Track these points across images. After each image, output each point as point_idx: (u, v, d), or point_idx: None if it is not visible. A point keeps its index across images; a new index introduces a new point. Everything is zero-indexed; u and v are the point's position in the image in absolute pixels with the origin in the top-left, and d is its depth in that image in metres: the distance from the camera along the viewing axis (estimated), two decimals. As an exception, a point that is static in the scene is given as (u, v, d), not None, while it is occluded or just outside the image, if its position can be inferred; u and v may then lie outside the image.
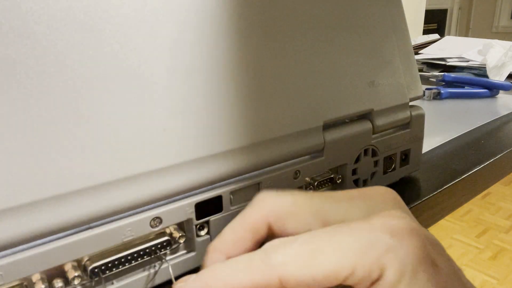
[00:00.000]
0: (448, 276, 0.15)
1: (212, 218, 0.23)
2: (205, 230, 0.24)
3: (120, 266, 0.21)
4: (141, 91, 0.20)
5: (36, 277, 0.18)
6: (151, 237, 0.22)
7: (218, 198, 0.23)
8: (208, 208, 0.23)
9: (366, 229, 0.16)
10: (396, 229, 0.15)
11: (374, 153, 0.31)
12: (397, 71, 0.32)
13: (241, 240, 0.18)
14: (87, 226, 0.20)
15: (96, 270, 0.20)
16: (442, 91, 0.67)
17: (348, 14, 0.29)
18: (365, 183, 0.31)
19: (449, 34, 3.41)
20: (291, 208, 0.18)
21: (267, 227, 0.18)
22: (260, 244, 0.18)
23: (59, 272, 0.19)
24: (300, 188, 0.27)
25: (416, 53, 0.95)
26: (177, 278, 0.23)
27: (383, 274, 0.15)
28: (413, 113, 0.33)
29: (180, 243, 0.23)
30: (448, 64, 0.87)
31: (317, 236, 0.16)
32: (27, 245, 0.18)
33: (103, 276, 0.20)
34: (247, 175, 0.25)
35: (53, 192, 0.18)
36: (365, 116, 0.30)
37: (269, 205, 0.18)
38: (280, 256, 0.16)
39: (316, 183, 0.28)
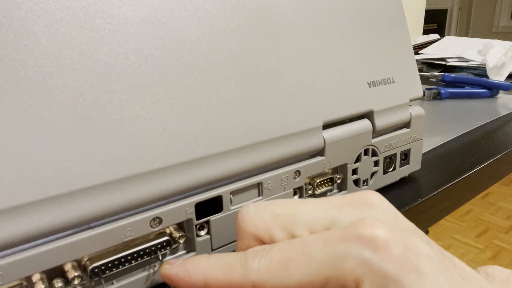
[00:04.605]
0: (435, 280, 0.15)
1: (212, 218, 0.23)
2: (205, 230, 0.24)
3: (120, 266, 0.21)
4: (141, 91, 0.20)
5: (36, 277, 0.18)
6: (151, 237, 0.22)
7: (218, 198, 0.23)
8: (208, 208, 0.23)
9: (339, 240, 0.15)
10: (371, 239, 0.15)
11: (374, 153, 0.31)
12: (397, 71, 0.32)
13: None
14: (87, 226, 0.20)
15: (96, 270, 0.20)
16: (442, 91, 0.67)
17: (348, 14, 0.29)
18: (365, 183, 0.31)
19: (449, 34, 3.41)
20: (273, 223, 0.18)
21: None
22: None
23: (59, 272, 0.19)
24: (299, 188, 0.27)
25: (416, 53, 0.95)
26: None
27: (359, 287, 0.15)
28: (413, 113, 0.33)
29: (180, 243, 0.23)
30: (448, 64, 0.87)
31: (292, 246, 0.16)
32: (27, 245, 0.18)
33: (103, 276, 0.20)
34: (247, 175, 0.25)
35: (53, 192, 0.18)
36: (365, 116, 0.30)
37: (251, 229, 0.18)
38: (256, 263, 0.16)
39: (316, 183, 0.28)
